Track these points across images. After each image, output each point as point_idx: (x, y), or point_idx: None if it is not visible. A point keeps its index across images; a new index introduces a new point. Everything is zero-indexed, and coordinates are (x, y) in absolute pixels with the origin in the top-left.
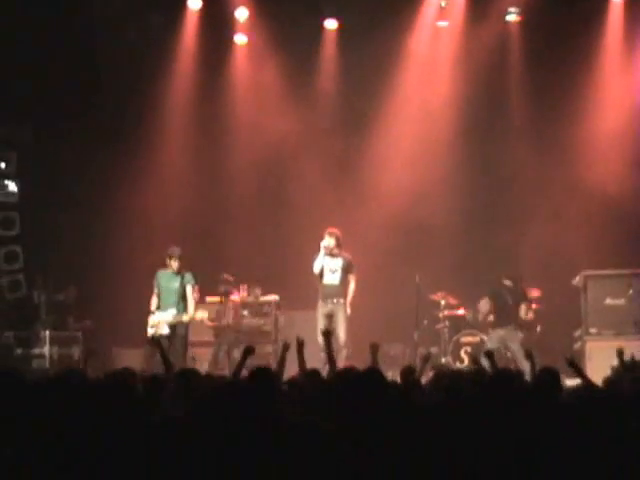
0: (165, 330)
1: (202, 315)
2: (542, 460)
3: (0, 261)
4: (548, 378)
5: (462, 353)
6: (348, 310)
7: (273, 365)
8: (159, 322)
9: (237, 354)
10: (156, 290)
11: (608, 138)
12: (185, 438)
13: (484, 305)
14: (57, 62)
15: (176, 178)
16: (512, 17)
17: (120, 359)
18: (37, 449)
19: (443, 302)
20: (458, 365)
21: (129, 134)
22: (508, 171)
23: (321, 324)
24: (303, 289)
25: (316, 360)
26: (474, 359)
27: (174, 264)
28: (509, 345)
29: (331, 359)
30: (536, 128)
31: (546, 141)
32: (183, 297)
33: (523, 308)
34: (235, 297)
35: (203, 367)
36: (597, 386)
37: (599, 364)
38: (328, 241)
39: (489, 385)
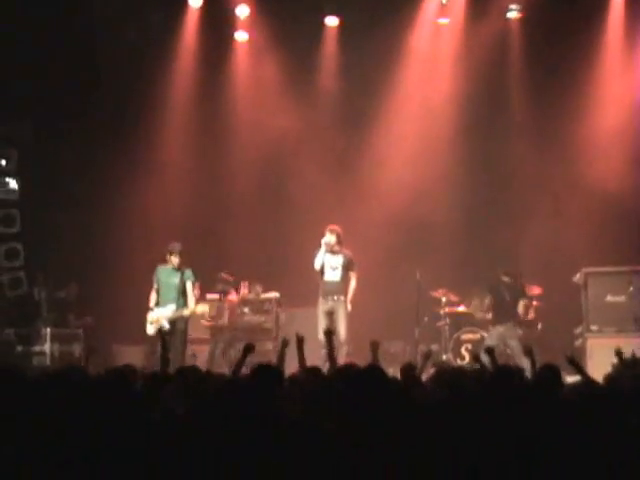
0: (165, 326)
1: (203, 309)
2: (543, 456)
3: (1, 258)
4: (549, 375)
5: (463, 350)
6: (349, 307)
7: (273, 362)
8: (158, 318)
9: (233, 353)
10: (155, 285)
11: (609, 135)
12: (185, 435)
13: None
14: (57, 60)
15: (177, 175)
16: (513, 14)
17: (121, 356)
18: (38, 446)
19: (444, 299)
20: (459, 362)
21: (129, 132)
22: (509, 168)
23: (322, 321)
24: (304, 286)
25: (316, 357)
26: (475, 356)
27: (174, 260)
28: (508, 342)
29: (332, 358)
30: (537, 125)
31: (547, 138)
32: (183, 293)
33: (522, 304)
34: (232, 296)
35: (201, 365)
36: (597, 383)
37: (600, 361)
38: (329, 238)
39: (490, 382)
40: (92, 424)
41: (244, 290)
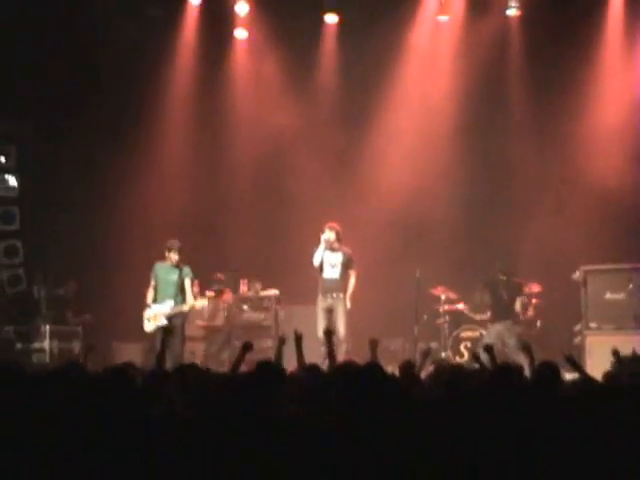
0: (163, 322)
1: (202, 303)
2: (542, 453)
3: (0, 255)
4: (548, 372)
5: (462, 348)
6: (348, 304)
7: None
8: (156, 315)
9: (227, 354)
10: (153, 282)
11: (608, 133)
12: (185, 432)
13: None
14: (57, 57)
15: (176, 173)
16: (512, 11)
17: (120, 353)
18: (38, 443)
19: (443, 297)
20: (458, 360)
21: (129, 129)
22: (508, 166)
23: (321, 319)
24: (303, 284)
25: (316, 355)
26: (475, 355)
27: (173, 257)
28: (506, 341)
29: (332, 356)
30: (536, 123)
31: (546, 136)
32: (181, 290)
33: (519, 302)
34: (227, 296)
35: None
36: (597, 381)
37: (599, 358)
38: (328, 235)
39: (489, 379)
40: (91, 421)
41: (243, 287)
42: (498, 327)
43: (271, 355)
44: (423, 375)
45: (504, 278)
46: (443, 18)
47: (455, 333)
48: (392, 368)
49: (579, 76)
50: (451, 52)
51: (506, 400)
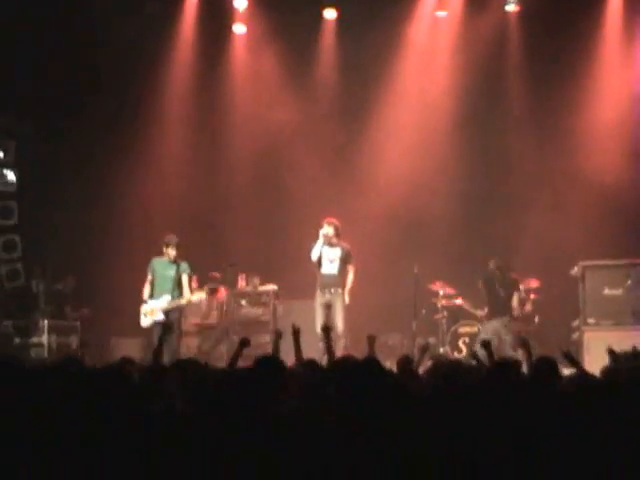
0: (160, 317)
1: (199, 296)
2: (540, 449)
3: None
4: (545, 367)
5: (460, 343)
6: (347, 299)
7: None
8: (152, 310)
9: (218, 353)
10: (150, 277)
11: (607, 128)
12: (184, 427)
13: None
14: (57, 53)
15: (175, 168)
16: (511, 7)
17: (118, 348)
18: (36, 437)
19: (441, 292)
20: (456, 355)
21: (128, 124)
22: (507, 161)
23: (319, 314)
24: (301, 279)
25: (314, 350)
26: (472, 352)
27: (171, 252)
28: (503, 337)
29: (330, 352)
30: (535, 118)
31: (545, 131)
32: (178, 285)
33: (516, 298)
34: (221, 295)
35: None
36: (594, 376)
37: (597, 354)
38: (327, 229)
39: (487, 375)
40: (89, 417)
41: (241, 282)
42: (495, 324)
43: (269, 350)
44: (421, 370)
45: (500, 274)
46: (442, 14)
47: (453, 328)
48: (390, 363)
49: (578, 71)
50: (450, 47)
51: (504, 395)
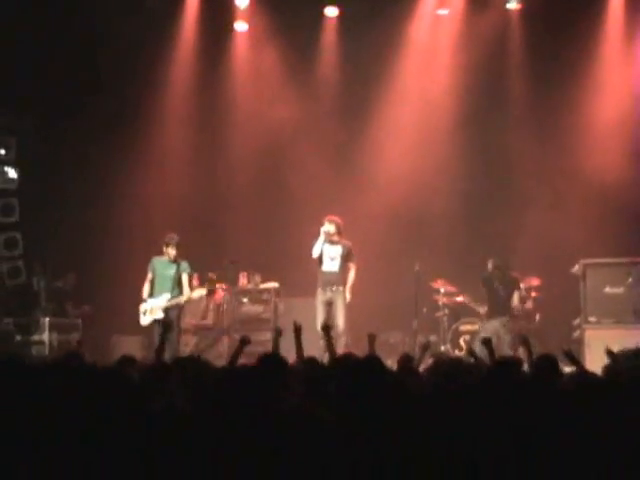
0: (159, 315)
1: (200, 293)
2: (541, 447)
3: (0, 248)
4: (546, 365)
5: (461, 341)
6: (348, 297)
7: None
8: (152, 308)
9: (213, 354)
10: (150, 276)
11: (608, 127)
12: (185, 425)
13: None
14: (57, 51)
15: (175, 165)
16: (512, 5)
17: (119, 346)
18: (37, 434)
19: (442, 290)
20: (457, 353)
21: (129, 122)
22: (507, 160)
23: (320, 312)
24: (302, 277)
25: (315, 348)
26: (469, 350)
27: (171, 252)
28: (502, 337)
29: (331, 351)
30: (536, 117)
31: (546, 130)
32: (178, 284)
33: (516, 296)
34: (218, 296)
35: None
36: (595, 375)
37: (598, 352)
38: (328, 227)
39: (488, 373)
40: (90, 414)
41: (243, 280)
42: (494, 323)
43: (269, 348)
44: (422, 369)
45: (499, 273)
46: (443, 12)
47: (454, 326)
48: (391, 362)
49: (579, 70)
50: (451, 46)
51: (505, 394)
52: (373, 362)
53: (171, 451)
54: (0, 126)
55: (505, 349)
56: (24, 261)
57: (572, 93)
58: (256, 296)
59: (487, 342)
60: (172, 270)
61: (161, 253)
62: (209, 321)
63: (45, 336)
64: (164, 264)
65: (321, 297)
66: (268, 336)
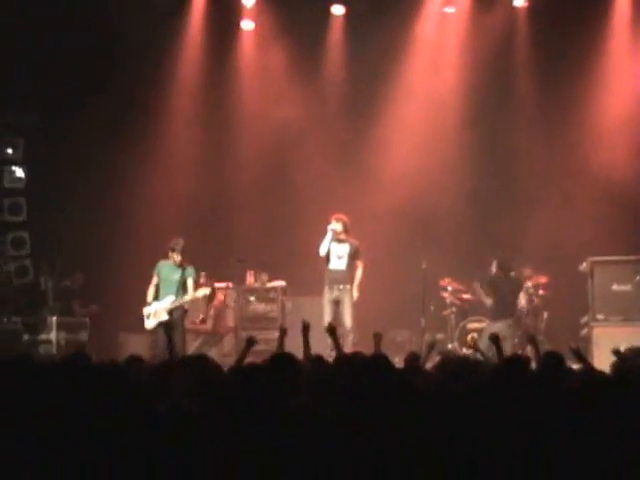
0: (164, 317)
1: (204, 292)
2: (548, 444)
3: (7, 247)
4: (553, 362)
5: (469, 339)
6: (356, 294)
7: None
8: (156, 311)
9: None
10: (155, 280)
11: (615, 124)
12: (191, 425)
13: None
14: (63, 50)
15: (183, 164)
16: (519, 2)
17: (127, 345)
18: (44, 433)
19: (450, 288)
20: (464, 351)
21: (136, 120)
22: (515, 158)
23: (327, 310)
24: (310, 275)
25: (323, 346)
26: (475, 347)
27: (176, 257)
28: (507, 338)
29: (338, 349)
30: (543, 115)
31: (553, 128)
32: (183, 288)
33: (522, 296)
34: (219, 301)
35: None
36: (602, 372)
37: (606, 350)
38: (335, 225)
39: (496, 371)
40: (97, 413)
41: (250, 279)
42: (499, 325)
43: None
44: (428, 367)
45: (503, 275)
46: (450, 10)
47: (462, 324)
48: (398, 360)
49: (586, 67)
50: (457, 44)
51: (512, 392)
52: (380, 360)
53: (177, 450)
54: (7, 126)
55: (508, 350)
56: (32, 260)
57: (579, 91)
58: (263, 295)
59: (495, 339)
60: (177, 274)
61: (167, 256)
62: (208, 326)
63: (53, 335)
64: (170, 268)
65: (328, 295)
66: (275, 335)
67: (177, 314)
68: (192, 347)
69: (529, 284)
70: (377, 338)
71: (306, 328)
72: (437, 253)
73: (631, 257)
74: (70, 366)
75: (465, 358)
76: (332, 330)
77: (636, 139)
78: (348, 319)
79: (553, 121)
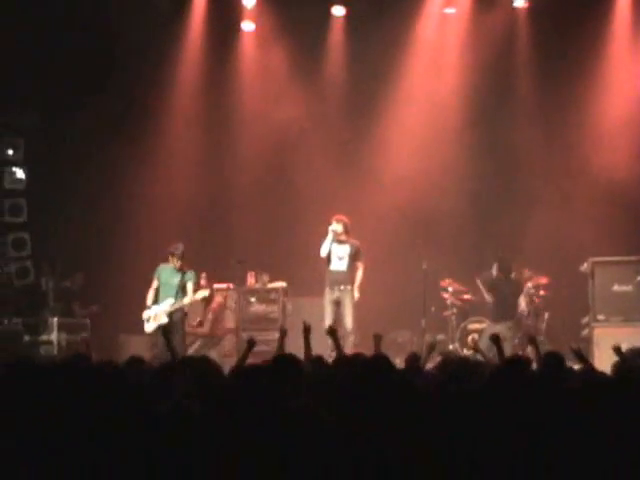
0: (164, 320)
1: (203, 294)
2: (548, 445)
3: (8, 248)
4: (553, 362)
5: (469, 340)
6: (357, 295)
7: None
8: (156, 315)
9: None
10: (155, 283)
11: (615, 125)
12: (192, 425)
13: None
14: (63, 51)
15: (183, 165)
16: (520, 3)
17: (127, 345)
18: (44, 434)
19: (450, 289)
20: (465, 352)
21: (136, 121)
22: (516, 158)
23: (328, 311)
24: (310, 276)
25: (323, 347)
26: (475, 347)
27: (176, 262)
28: (507, 340)
29: (339, 351)
30: (543, 115)
31: (554, 128)
32: (183, 291)
33: (522, 300)
34: (216, 305)
35: None
36: (603, 373)
37: (607, 350)
38: (336, 226)
39: (496, 371)
40: (97, 414)
41: (250, 279)
42: (499, 327)
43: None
44: (429, 367)
45: (504, 277)
46: (450, 10)
47: (462, 325)
48: (399, 361)
49: (586, 68)
50: (458, 44)
51: (513, 393)
52: (381, 361)
53: (178, 451)
54: (8, 126)
55: (508, 351)
56: (32, 261)
57: (579, 91)
58: (264, 296)
59: (496, 339)
60: (177, 278)
61: (167, 259)
62: (206, 329)
63: (54, 336)
64: (170, 272)
65: (329, 297)
66: (276, 336)
67: (177, 316)
68: (191, 350)
69: (529, 285)
70: (377, 339)
71: (307, 330)
72: (438, 254)
73: (632, 257)
74: (71, 367)
75: (465, 359)
76: (333, 331)
77: (636, 140)
78: (349, 320)
79: (553, 122)
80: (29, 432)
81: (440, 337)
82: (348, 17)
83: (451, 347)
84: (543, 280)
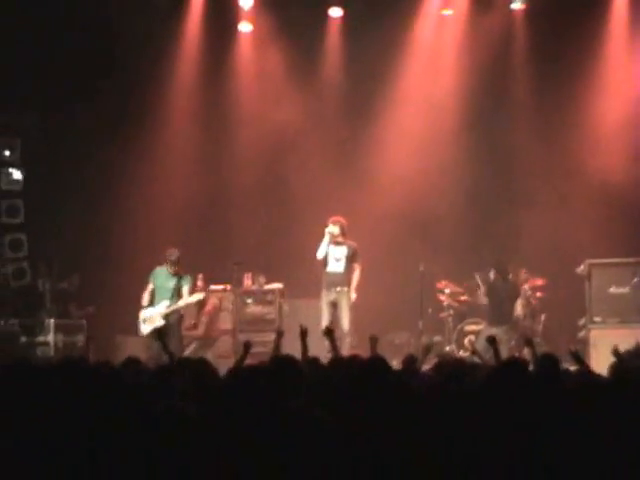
0: (160, 322)
1: (198, 297)
2: (545, 446)
3: (5, 249)
4: (549, 364)
5: (466, 341)
6: (354, 296)
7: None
8: (152, 317)
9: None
10: (151, 286)
11: (612, 127)
12: (189, 427)
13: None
14: (63, 49)
15: (180, 166)
16: (517, 5)
17: (124, 346)
18: (43, 435)
19: (447, 290)
20: (462, 353)
21: (133, 121)
22: (513, 160)
23: (325, 313)
24: (307, 277)
25: (320, 349)
26: (472, 349)
27: (170, 269)
28: (503, 343)
29: (336, 352)
30: (541, 117)
31: (551, 130)
32: (178, 295)
33: (519, 304)
34: (210, 308)
35: None
36: (599, 375)
37: (604, 352)
38: (332, 228)
39: (493, 373)
40: (94, 416)
41: (247, 281)
42: (495, 331)
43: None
44: (425, 369)
45: (502, 281)
46: (447, 12)
47: (459, 327)
48: (396, 362)
49: (583, 70)
50: (455, 46)
51: (509, 394)
52: (377, 363)
53: (177, 451)
54: (4, 127)
55: (504, 354)
56: (29, 262)
57: (577, 93)
58: (260, 297)
59: (492, 341)
60: (172, 282)
61: (162, 263)
62: (200, 331)
63: (50, 337)
64: (165, 276)
65: (326, 298)
66: (272, 337)
67: (173, 319)
68: (188, 351)
69: (526, 287)
70: (373, 341)
71: (304, 333)
72: (435, 255)
73: (629, 259)
74: (67, 368)
75: (461, 361)
76: (330, 332)
77: (634, 141)
78: (346, 322)
79: (551, 123)
80: (26, 433)
81: (437, 339)
82: (345, 18)
83: (448, 349)
84: (540, 282)
